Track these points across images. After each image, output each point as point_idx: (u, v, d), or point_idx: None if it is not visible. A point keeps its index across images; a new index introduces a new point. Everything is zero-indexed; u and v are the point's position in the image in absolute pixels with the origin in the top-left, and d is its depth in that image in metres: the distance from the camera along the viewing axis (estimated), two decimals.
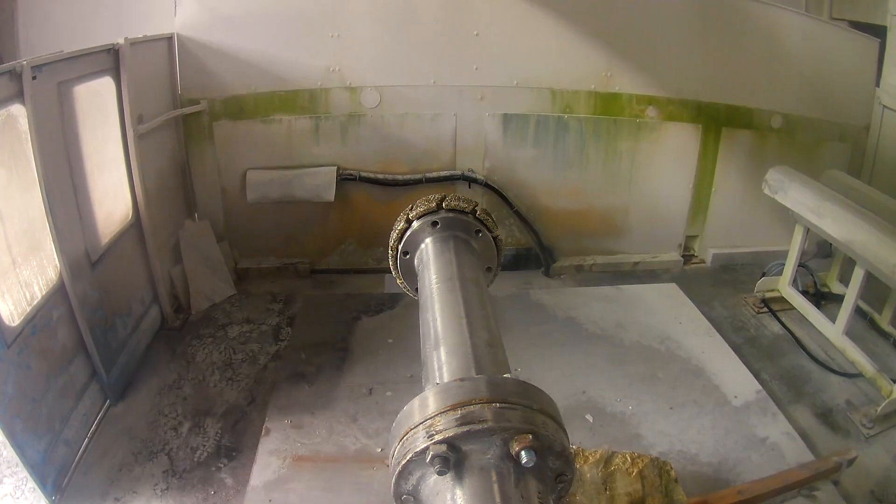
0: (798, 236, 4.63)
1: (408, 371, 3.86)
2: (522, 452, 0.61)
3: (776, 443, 3.36)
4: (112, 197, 3.99)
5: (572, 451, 1.34)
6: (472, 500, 0.60)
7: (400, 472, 0.65)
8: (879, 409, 3.56)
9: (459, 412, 0.63)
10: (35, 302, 3.16)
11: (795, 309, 4.70)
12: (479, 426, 0.61)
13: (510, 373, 0.75)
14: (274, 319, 4.52)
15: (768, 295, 4.87)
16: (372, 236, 4.96)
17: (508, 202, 4.93)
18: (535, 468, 0.62)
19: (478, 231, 1.12)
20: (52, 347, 3.33)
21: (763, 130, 5.15)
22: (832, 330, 4.32)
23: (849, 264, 4.40)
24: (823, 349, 4.26)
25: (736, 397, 3.73)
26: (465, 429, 0.61)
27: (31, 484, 3.02)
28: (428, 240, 1.11)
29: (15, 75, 2.92)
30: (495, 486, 0.61)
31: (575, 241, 5.21)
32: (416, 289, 1.11)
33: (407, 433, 0.65)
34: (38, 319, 3.17)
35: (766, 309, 4.77)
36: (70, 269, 3.40)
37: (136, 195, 4.13)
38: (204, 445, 3.40)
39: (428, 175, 4.80)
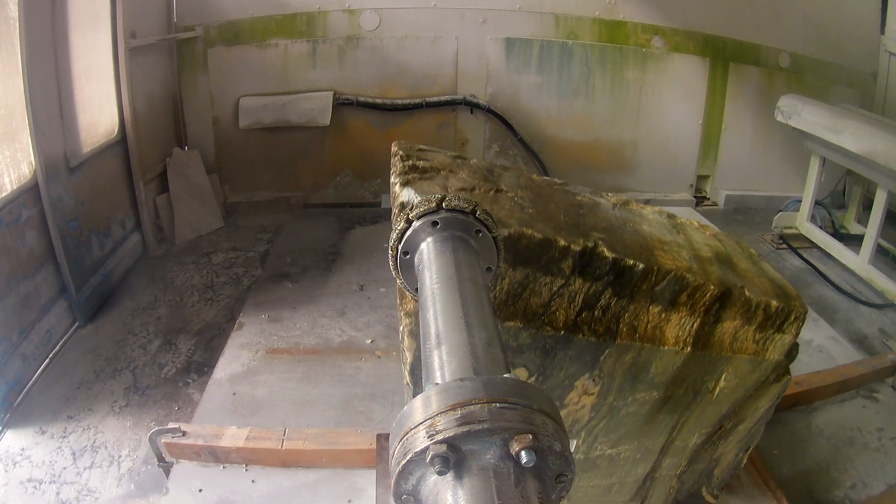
0: (814, 168, 4.49)
1: None
2: (522, 452, 0.62)
3: (823, 345, 3.21)
4: (98, 107, 3.86)
5: (627, 258, 1.13)
6: (471, 500, 0.61)
7: (400, 472, 0.65)
8: None
9: (459, 412, 0.64)
10: (3, 194, 2.97)
11: (815, 247, 4.51)
12: (479, 426, 0.63)
13: (510, 372, 0.75)
14: (262, 247, 4.24)
15: (786, 231, 4.67)
16: (369, 167, 4.74)
17: (513, 130, 4.74)
18: (534, 468, 0.63)
19: (478, 231, 1.14)
20: (18, 248, 3.12)
21: (771, 69, 5.04)
22: (857, 261, 4.16)
23: (864, 212, 4.24)
24: (849, 283, 4.07)
25: None
26: (465, 429, 0.62)
27: None
28: (428, 240, 1.13)
29: None
30: (494, 486, 0.62)
31: (582, 176, 4.99)
32: (416, 289, 1.14)
33: (407, 433, 0.66)
34: (4, 213, 3.00)
35: (784, 245, 4.55)
36: (45, 168, 3.23)
37: (123, 112, 3.99)
38: (173, 362, 3.12)
39: (428, 100, 4.63)
